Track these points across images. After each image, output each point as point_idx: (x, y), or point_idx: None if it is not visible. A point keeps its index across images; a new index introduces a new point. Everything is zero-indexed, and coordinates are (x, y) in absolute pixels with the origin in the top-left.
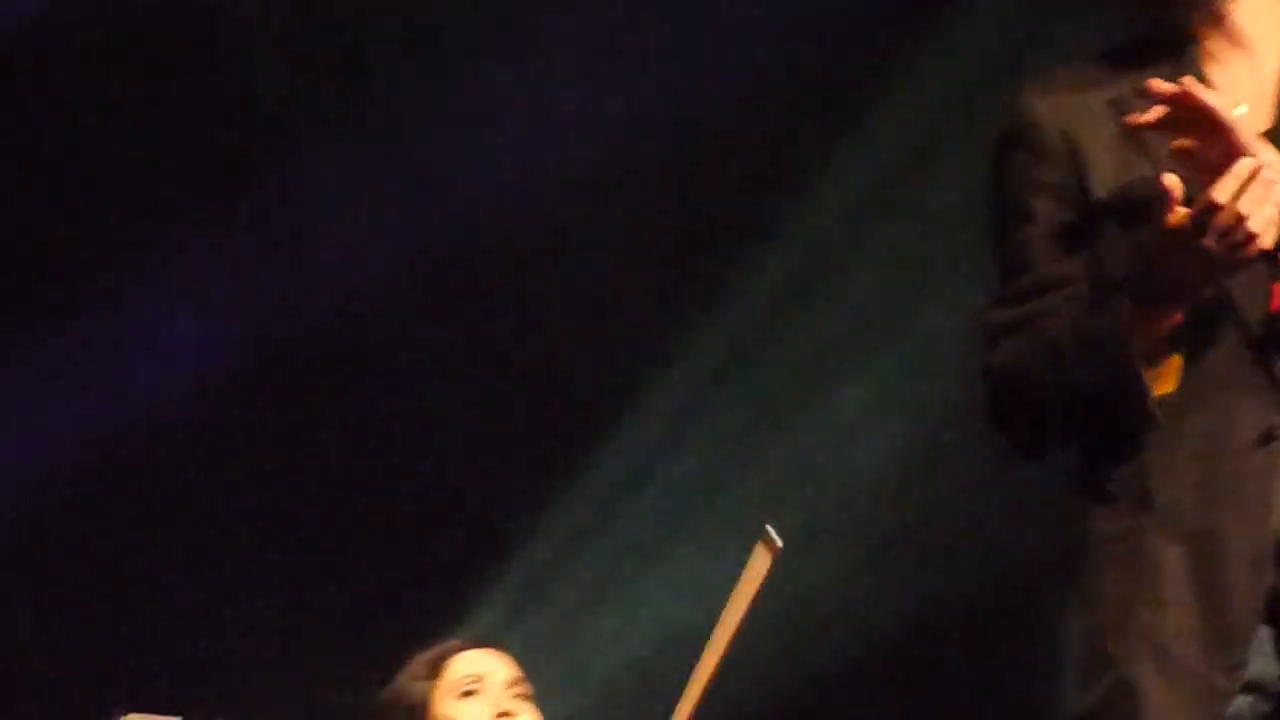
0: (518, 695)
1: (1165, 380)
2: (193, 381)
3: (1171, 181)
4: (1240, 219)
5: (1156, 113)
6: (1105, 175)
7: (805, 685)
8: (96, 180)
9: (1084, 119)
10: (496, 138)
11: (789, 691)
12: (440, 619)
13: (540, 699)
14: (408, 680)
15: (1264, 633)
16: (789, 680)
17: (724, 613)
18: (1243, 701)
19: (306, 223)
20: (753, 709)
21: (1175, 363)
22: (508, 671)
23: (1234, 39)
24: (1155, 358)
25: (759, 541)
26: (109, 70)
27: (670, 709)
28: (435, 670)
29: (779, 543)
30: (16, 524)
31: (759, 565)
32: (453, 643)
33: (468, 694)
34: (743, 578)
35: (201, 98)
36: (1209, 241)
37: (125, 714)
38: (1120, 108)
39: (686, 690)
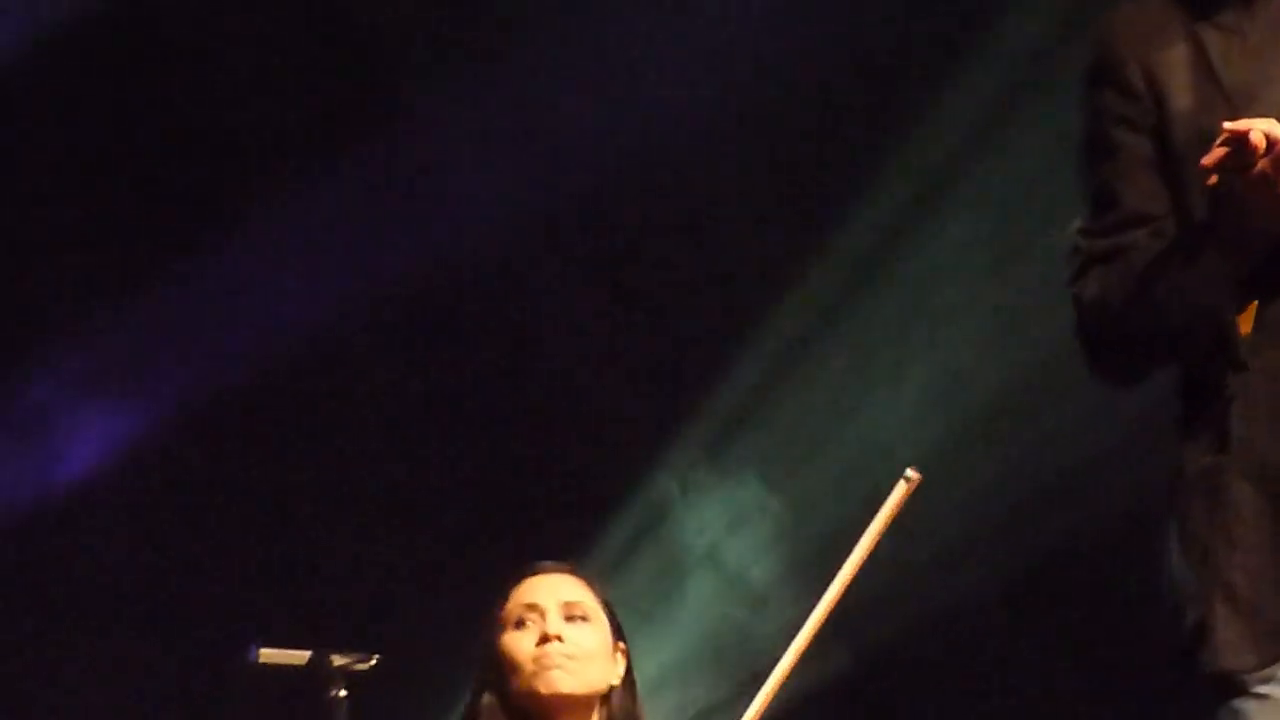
0: (571, 618)
1: (1244, 322)
2: (332, 317)
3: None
4: None
5: (1217, 155)
6: (1184, 113)
7: (935, 619)
8: (240, 127)
9: (1163, 55)
10: (620, 82)
11: (920, 625)
12: (572, 541)
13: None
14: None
15: None
16: (920, 612)
17: (856, 546)
18: None
19: (425, 174)
20: (882, 642)
21: (1252, 306)
22: (566, 596)
23: None
24: (1236, 301)
25: (901, 479)
26: (232, 31)
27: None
28: (499, 603)
29: (917, 477)
30: (161, 456)
31: (896, 499)
32: (522, 569)
33: (520, 625)
34: (880, 512)
35: (319, 51)
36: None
37: (260, 646)
38: (1198, 44)
39: (811, 616)
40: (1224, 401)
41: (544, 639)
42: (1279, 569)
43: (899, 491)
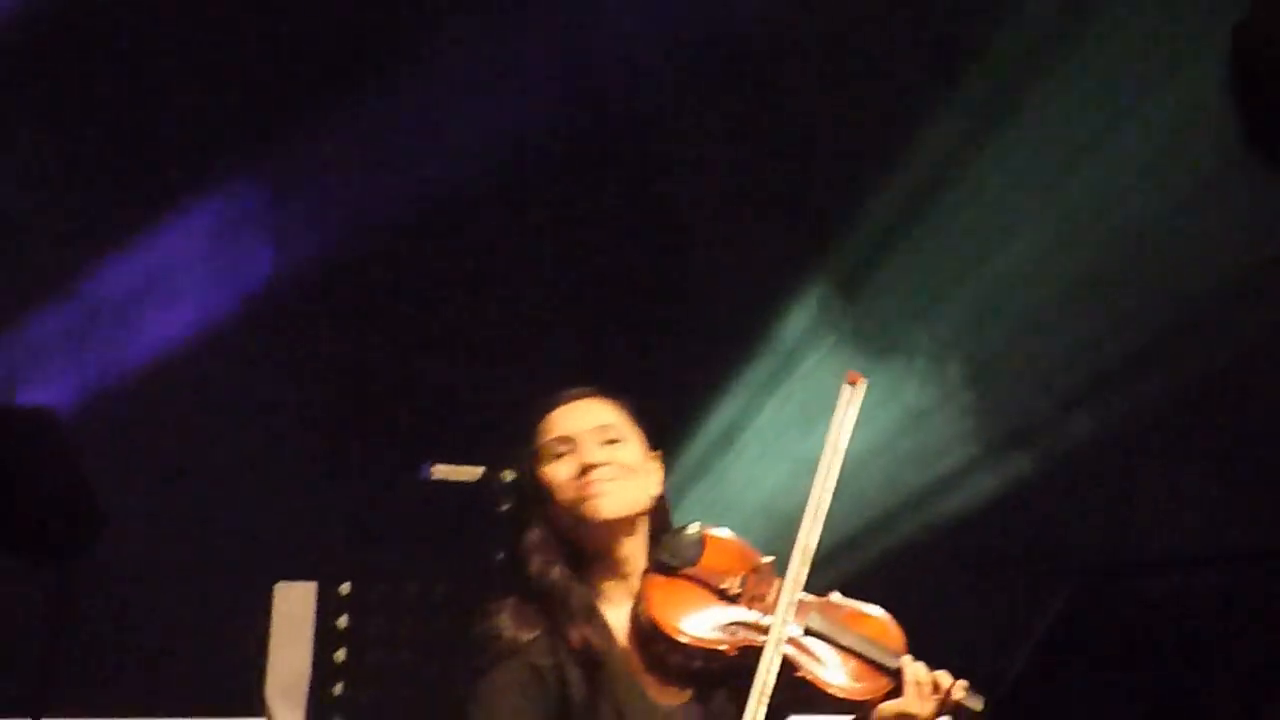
0: (608, 442)
1: None
2: (508, 148)
3: None
4: None
5: None
6: None
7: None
8: None
9: None
10: None
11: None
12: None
13: None
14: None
15: None
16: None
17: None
18: None
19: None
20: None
21: None
22: (595, 421)
23: None
24: None
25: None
26: None
27: None
28: (531, 437)
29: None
30: (347, 270)
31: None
32: (549, 400)
33: (558, 456)
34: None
35: None
36: None
37: (433, 465)
38: None
39: (803, 522)
40: None
41: (584, 469)
42: None
43: (845, 396)
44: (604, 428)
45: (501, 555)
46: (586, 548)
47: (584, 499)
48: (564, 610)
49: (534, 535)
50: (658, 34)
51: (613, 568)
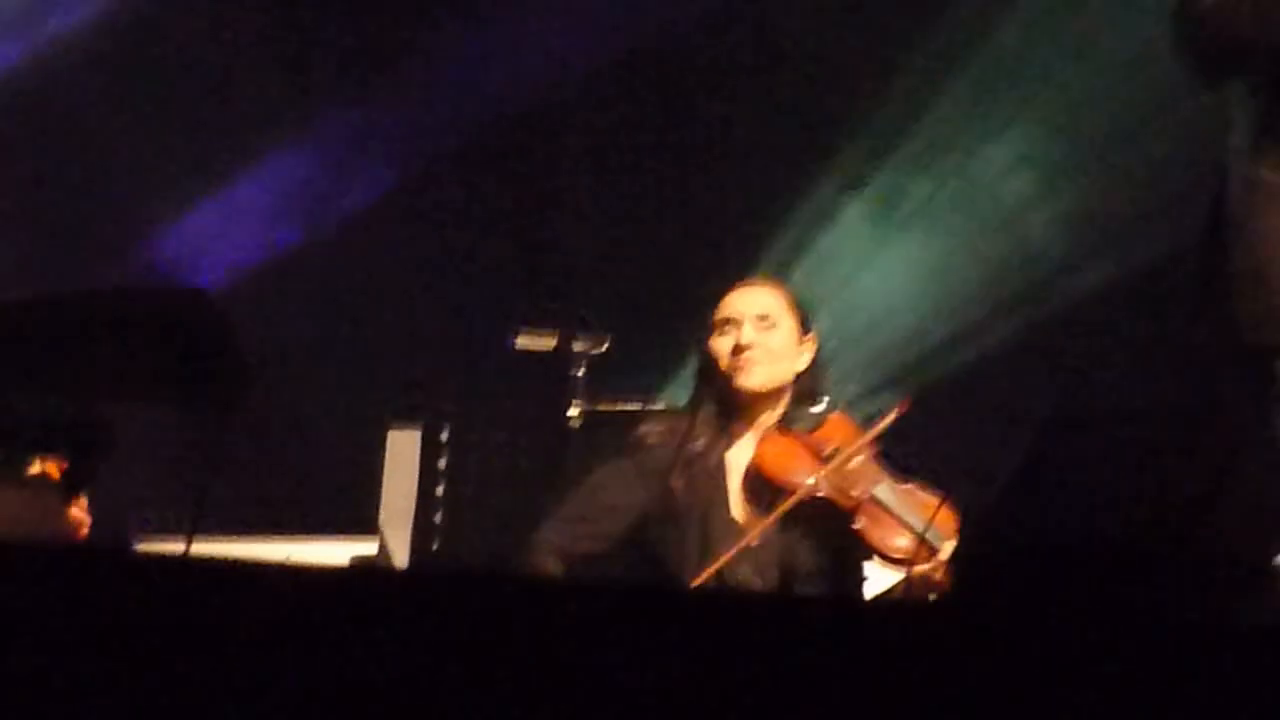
0: (763, 329)
1: None
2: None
3: None
4: None
5: None
6: None
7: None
8: None
9: None
10: None
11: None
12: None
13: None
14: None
15: None
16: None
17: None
18: None
19: None
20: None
21: None
22: (754, 309)
23: None
24: None
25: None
26: None
27: None
28: (712, 310)
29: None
30: (442, 179)
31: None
32: (730, 283)
33: (723, 331)
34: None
35: None
36: None
37: (518, 334)
38: None
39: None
40: None
41: (737, 349)
42: None
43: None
44: (763, 315)
45: (573, 412)
46: (736, 403)
47: (736, 370)
48: (694, 430)
49: (706, 390)
50: None
51: (750, 420)
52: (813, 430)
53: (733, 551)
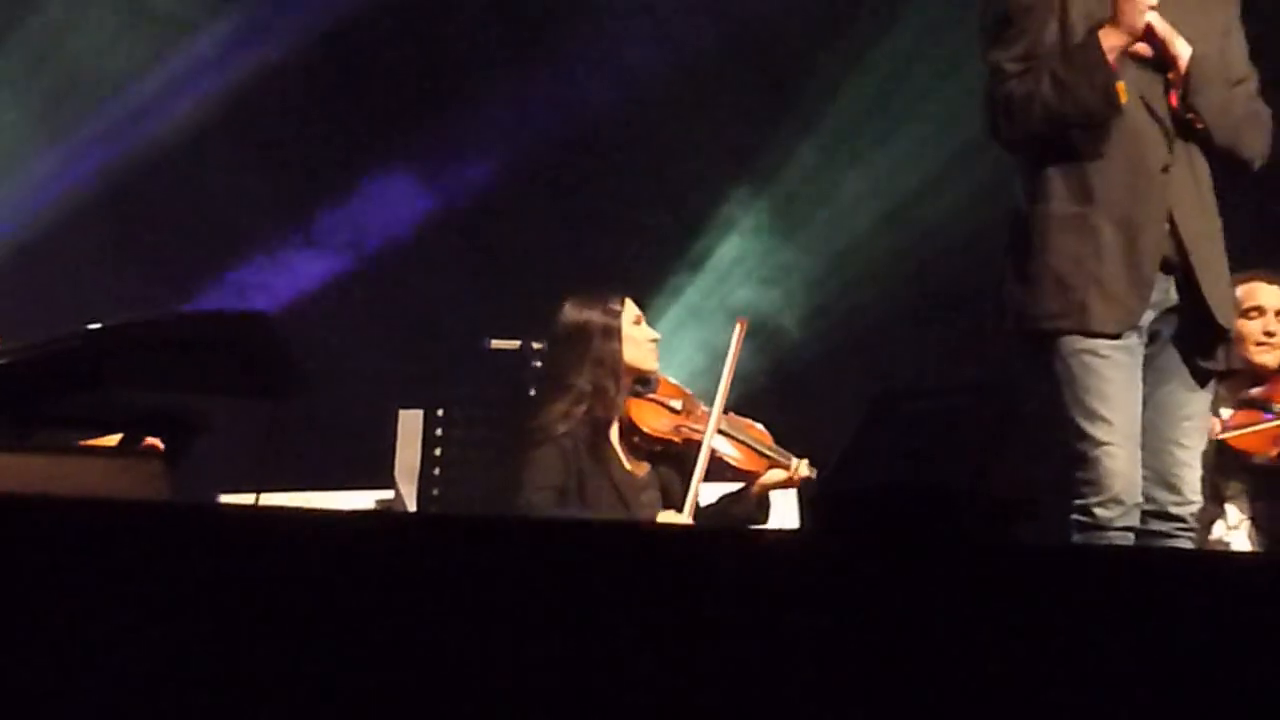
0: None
1: (1121, 94)
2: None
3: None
4: None
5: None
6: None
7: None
8: None
9: None
10: None
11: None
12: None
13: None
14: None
15: (1160, 280)
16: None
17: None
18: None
19: None
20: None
21: (1122, 86)
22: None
23: None
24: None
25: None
26: None
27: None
28: (611, 309)
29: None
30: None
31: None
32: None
33: (636, 323)
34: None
35: None
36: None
37: (491, 337)
38: None
39: (707, 431)
40: (1083, 170)
41: (651, 339)
42: (1129, 275)
43: (736, 335)
44: (637, 315)
45: (533, 394)
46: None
47: (646, 357)
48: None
49: (602, 358)
50: None
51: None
52: (655, 391)
53: (693, 492)
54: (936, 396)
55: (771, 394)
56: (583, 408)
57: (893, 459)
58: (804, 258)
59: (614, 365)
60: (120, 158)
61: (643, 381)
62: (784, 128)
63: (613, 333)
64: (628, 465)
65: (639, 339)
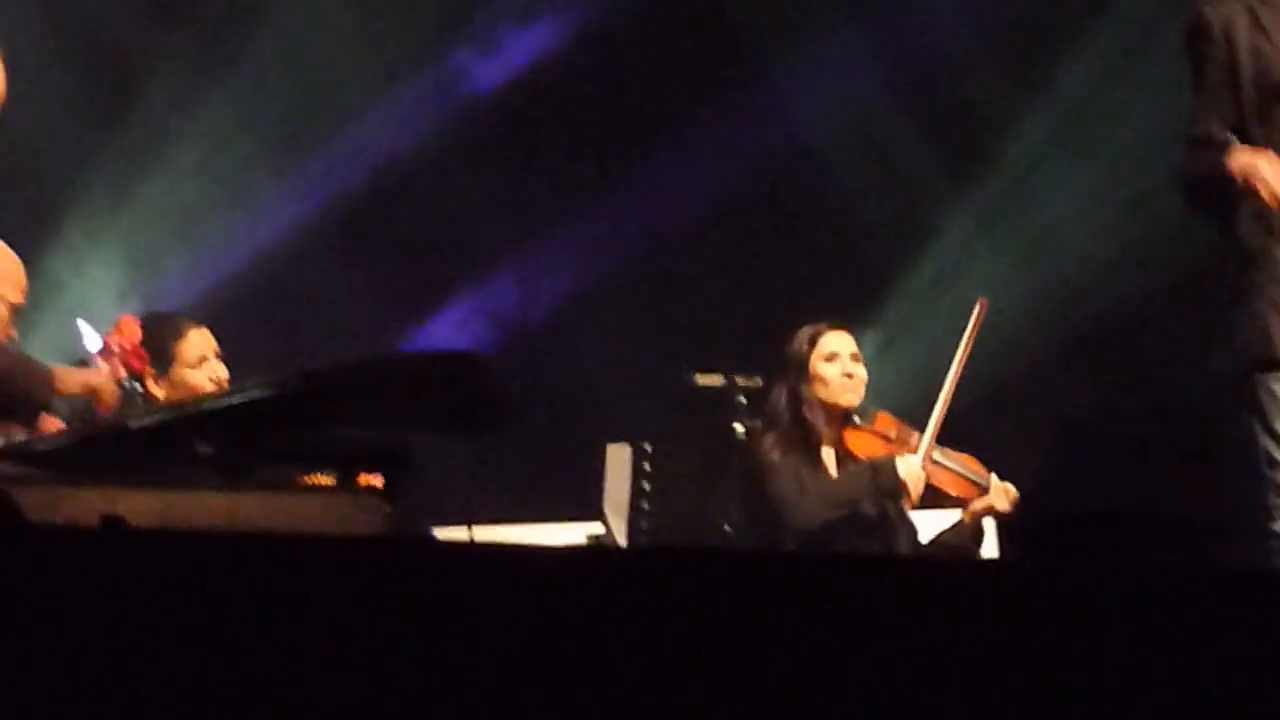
0: (853, 359)
1: None
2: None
3: None
4: None
5: None
6: (1245, 60)
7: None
8: None
9: (1234, 21)
10: None
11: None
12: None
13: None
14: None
15: None
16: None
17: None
18: None
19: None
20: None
21: None
22: (851, 347)
23: None
24: None
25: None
26: None
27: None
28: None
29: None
30: (725, 208)
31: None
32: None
33: (831, 360)
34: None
35: None
36: None
37: (696, 371)
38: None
39: (931, 419)
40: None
41: (846, 373)
42: None
43: (975, 315)
44: (854, 351)
45: (738, 429)
46: (824, 421)
47: (842, 389)
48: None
49: (807, 397)
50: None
51: (832, 424)
52: (874, 424)
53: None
54: (1127, 423)
55: (965, 424)
56: (791, 438)
57: (1087, 485)
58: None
59: (809, 399)
60: (351, 188)
61: (856, 414)
62: (975, 159)
63: (804, 369)
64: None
65: (827, 376)
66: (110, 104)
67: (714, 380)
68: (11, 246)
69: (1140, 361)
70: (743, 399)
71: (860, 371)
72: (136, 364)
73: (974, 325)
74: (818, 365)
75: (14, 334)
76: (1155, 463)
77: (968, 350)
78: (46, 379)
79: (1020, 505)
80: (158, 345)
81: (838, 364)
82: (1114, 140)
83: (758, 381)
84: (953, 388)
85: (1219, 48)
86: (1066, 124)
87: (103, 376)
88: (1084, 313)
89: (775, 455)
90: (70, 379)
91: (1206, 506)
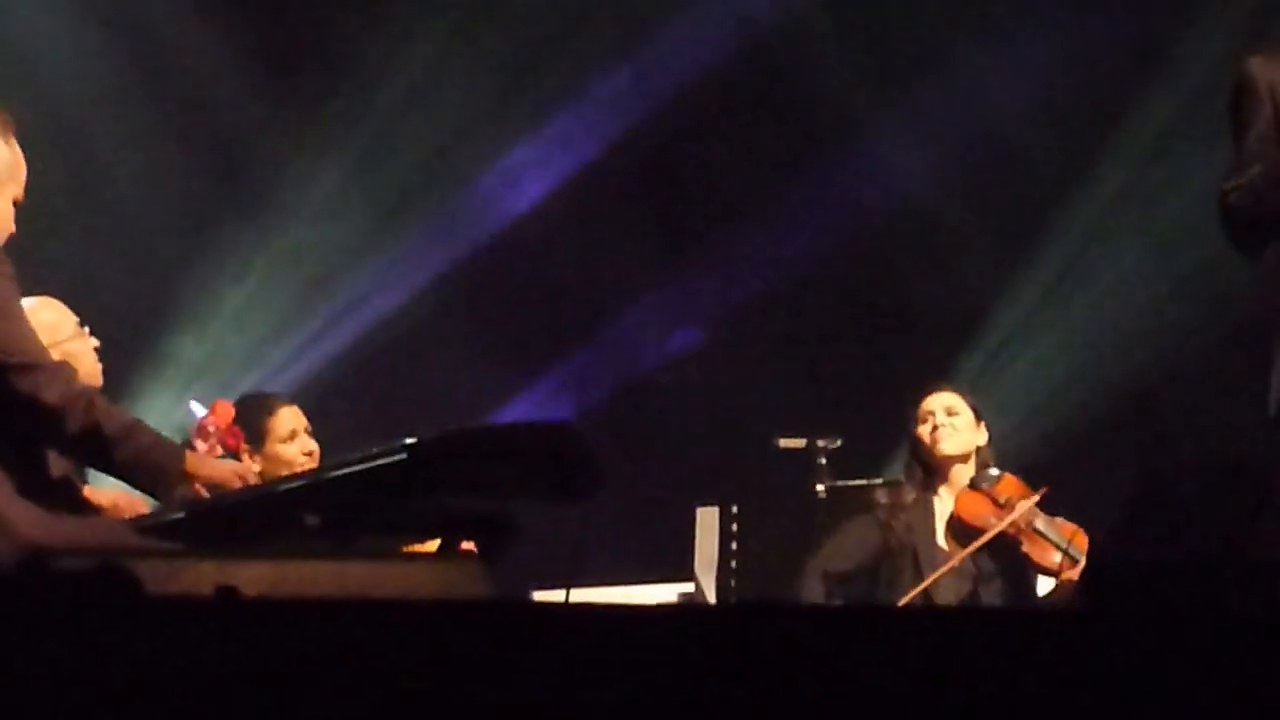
0: (952, 416)
1: None
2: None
3: None
4: None
5: None
6: None
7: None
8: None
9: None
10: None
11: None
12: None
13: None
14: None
15: None
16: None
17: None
18: None
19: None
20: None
21: None
22: (944, 404)
23: None
24: None
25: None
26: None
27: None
28: (916, 408)
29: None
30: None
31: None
32: (924, 389)
33: (924, 421)
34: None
35: None
36: None
37: (779, 435)
38: None
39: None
40: None
41: (934, 428)
42: None
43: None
44: (950, 408)
45: (820, 489)
46: (936, 468)
47: (935, 443)
48: (908, 488)
49: (908, 460)
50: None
51: (947, 480)
52: (994, 487)
53: (941, 572)
54: (1200, 473)
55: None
56: (904, 486)
57: (1160, 533)
58: (1069, 343)
59: (918, 454)
60: (462, 257)
61: (982, 476)
62: (1048, 222)
63: (914, 421)
64: (945, 546)
65: (925, 434)
66: (223, 178)
67: (797, 443)
68: (126, 321)
69: (1205, 413)
70: (824, 460)
71: (955, 424)
72: (232, 442)
73: (1026, 506)
74: (917, 427)
75: None
76: (1225, 512)
77: (1010, 523)
78: (180, 458)
79: (1094, 553)
80: (251, 423)
81: (930, 422)
82: (1165, 215)
83: (838, 443)
84: (1007, 523)
85: (1265, 103)
86: (1119, 198)
87: (246, 467)
88: (1143, 370)
89: (881, 501)
90: (204, 467)
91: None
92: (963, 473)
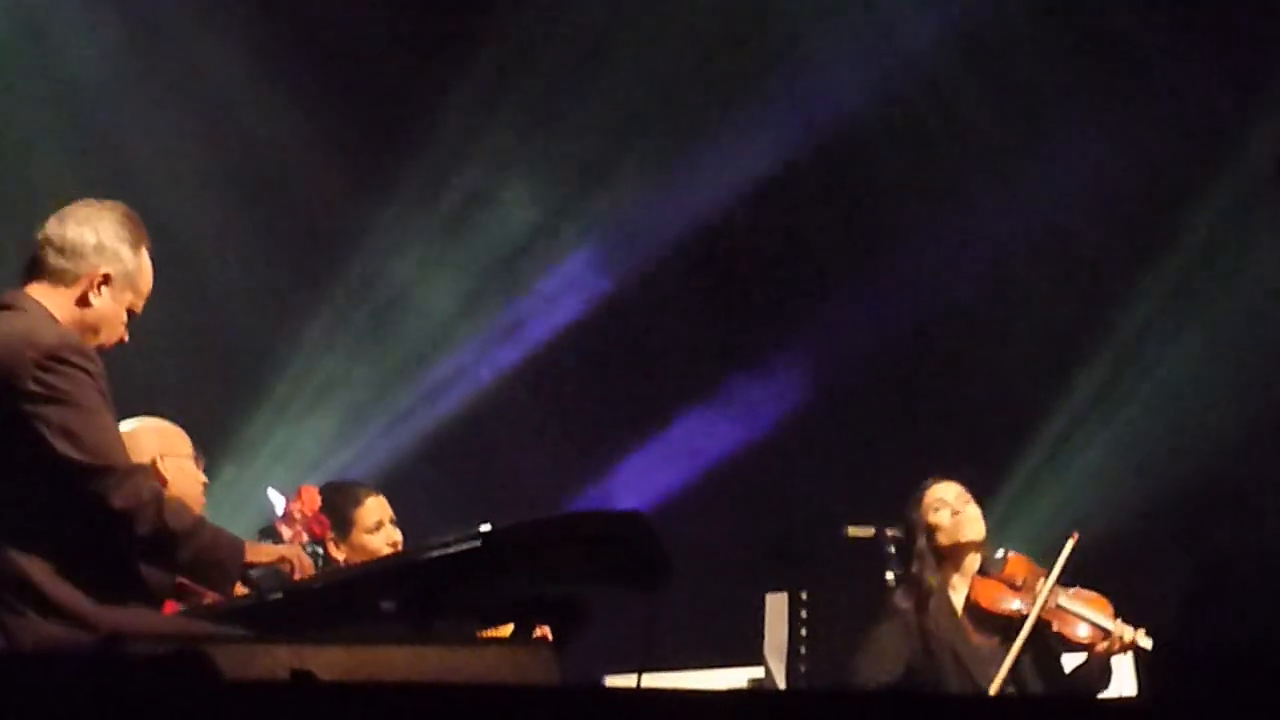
0: (965, 501)
1: None
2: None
3: None
4: None
5: None
6: None
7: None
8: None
9: None
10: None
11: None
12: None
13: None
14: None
15: None
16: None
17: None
18: None
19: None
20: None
21: None
22: (955, 491)
23: None
24: None
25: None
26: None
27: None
28: (920, 498)
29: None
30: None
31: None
32: (929, 479)
33: (938, 509)
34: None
35: None
36: None
37: (847, 528)
38: None
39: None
40: None
41: (954, 513)
42: None
43: (1068, 547)
44: (961, 495)
45: (889, 577)
46: (951, 557)
47: (956, 529)
48: (928, 592)
49: (921, 544)
50: None
51: (958, 569)
52: (1004, 570)
53: (1004, 671)
54: (1258, 559)
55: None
56: (919, 585)
57: (1224, 619)
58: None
59: (932, 543)
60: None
61: (990, 561)
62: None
63: (916, 527)
64: (974, 639)
65: (941, 522)
66: (315, 281)
67: (865, 532)
68: (218, 413)
69: (1264, 512)
70: (892, 549)
71: (971, 510)
72: (317, 529)
73: (1065, 555)
74: (929, 516)
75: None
76: None
77: (1057, 576)
78: (240, 551)
79: (1161, 641)
80: (337, 512)
81: (946, 509)
82: (1222, 310)
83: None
84: (1044, 598)
85: None
86: (1175, 294)
87: (294, 549)
88: (1199, 470)
89: (902, 606)
90: (262, 551)
91: None
92: (974, 560)
